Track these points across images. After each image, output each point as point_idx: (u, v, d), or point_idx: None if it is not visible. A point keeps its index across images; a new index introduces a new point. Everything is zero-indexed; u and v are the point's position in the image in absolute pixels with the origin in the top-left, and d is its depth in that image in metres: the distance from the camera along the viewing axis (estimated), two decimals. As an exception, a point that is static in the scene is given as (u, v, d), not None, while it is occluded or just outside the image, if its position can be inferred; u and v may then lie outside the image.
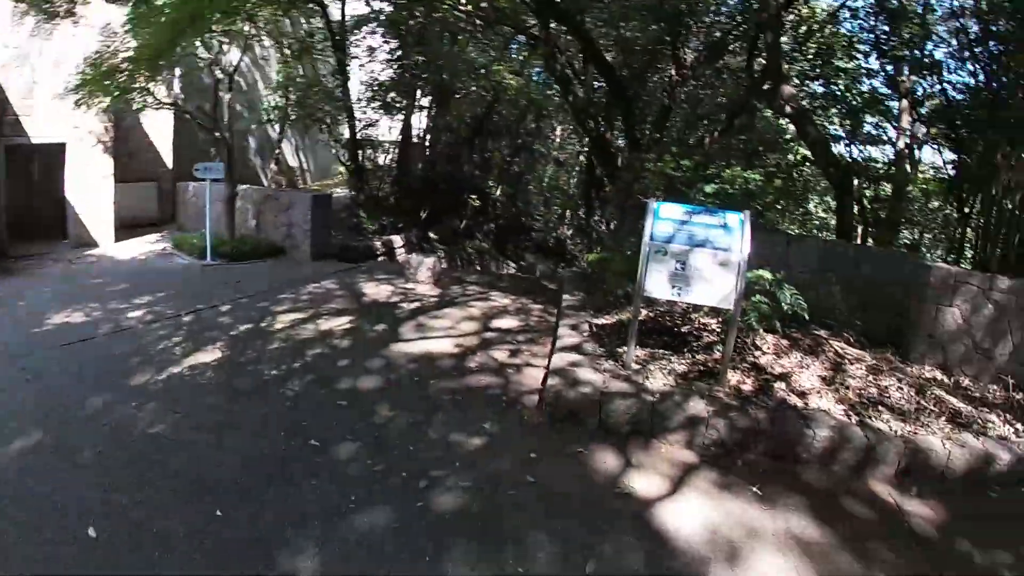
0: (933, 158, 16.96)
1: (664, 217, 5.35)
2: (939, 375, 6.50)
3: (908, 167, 15.07)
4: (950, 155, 12.79)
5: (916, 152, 15.36)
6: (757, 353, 6.10)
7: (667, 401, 4.95)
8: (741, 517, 4.05)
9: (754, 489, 4.38)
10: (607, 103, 12.30)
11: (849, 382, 5.74)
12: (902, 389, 5.80)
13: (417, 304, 8.28)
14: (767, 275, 5.67)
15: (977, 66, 10.08)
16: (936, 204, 14.81)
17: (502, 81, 15.67)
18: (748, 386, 5.38)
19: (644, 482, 4.35)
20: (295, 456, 4.47)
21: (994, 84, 9.34)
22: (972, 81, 10.54)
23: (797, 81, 12.52)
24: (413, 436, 4.82)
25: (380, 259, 12.71)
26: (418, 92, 16.53)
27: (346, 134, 15.84)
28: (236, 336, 6.93)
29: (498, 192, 18.74)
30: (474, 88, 16.73)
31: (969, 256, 10.56)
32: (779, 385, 5.44)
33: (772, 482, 4.48)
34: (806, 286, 6.67)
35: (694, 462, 4.67)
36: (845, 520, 4.15)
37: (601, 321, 6.89)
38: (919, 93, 12.72)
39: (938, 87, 11.23)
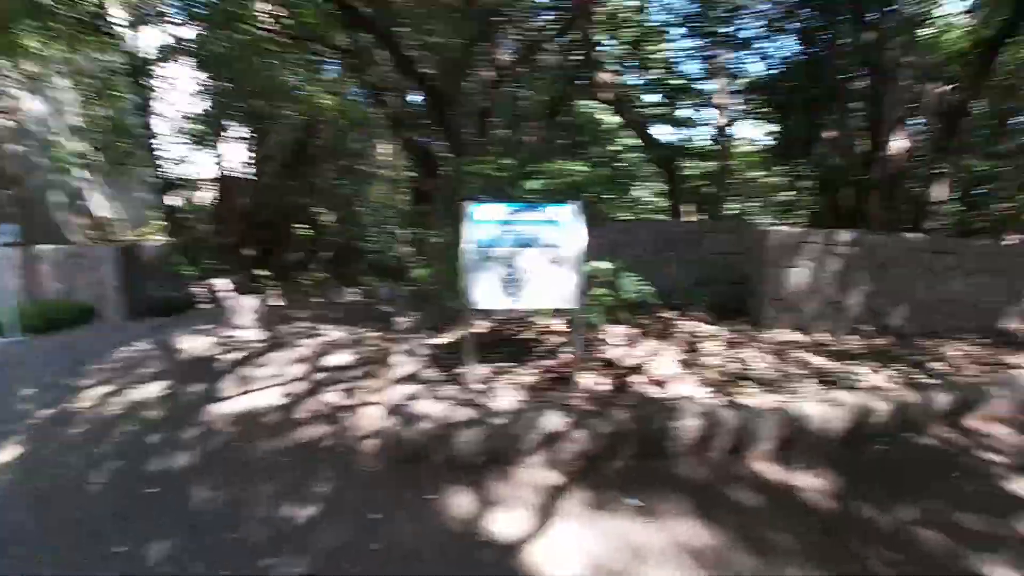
0: (751, 132, 17.69)
1: (483, 220, 4.76)
2: (797, 336, 6.34)
3: (728, 142, 15.50)
4: (772, 127, 13.16)
5: (733, 127, 15.83)
6: (607, 348, 5.65)
7: (519, 420, 4.32)
8: (622, 537, 3.50)
9: (630, 501, 3.84)
10: (426, 112, 11.69)
11: (708, 361, 5.40)
12: (764, 358, 5.52)
13: (240, 353, 7.26)
14: (605, 265, 5.23)
15: (794, 37, 10.27)
16: (758, 173, 15.32)
17: (318, 102, 14.76)
18: (604, 386, 4.87)
19: (508, 520, 3.69)
20: (97, 569, 3.50)
21: (811, 51, 9.49)
22: (786, 54, 10.79)
23: (616, 69, 12.39)
24: (235, 518, 3.92)
25: (205, 307, 11.45)
26: (234, 122, 15.28)
27: (157, 176, 14.32)
28: (34, 425, 5.71)
29: (329, 218, 17.75)
30: (291, 112, 15.67)
31: (803, 216, 10.79)
32: (637, 378, 4.99)
33: (648, 487, 3.98)
34: (648, 270, 6.42)
35: (561, 483, 4.07)
36: (734, 512, 3.73)
37: (439, 341, 6.23)
38: (735, 69, 12.99)
39: (758, 60, 11.42)
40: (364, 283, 17.46)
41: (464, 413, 4.41)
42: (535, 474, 4.15)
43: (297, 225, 16.35)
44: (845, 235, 6.48)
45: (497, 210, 4.80)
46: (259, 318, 8.38)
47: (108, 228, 17.18)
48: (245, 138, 16.28)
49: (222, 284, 12.78)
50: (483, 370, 5.12)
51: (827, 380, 5.13)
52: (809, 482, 4.05)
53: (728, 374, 5.10)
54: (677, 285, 7.14)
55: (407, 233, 18.02)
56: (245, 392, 5.89)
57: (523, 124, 12.18)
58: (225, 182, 15.53)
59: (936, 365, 5.78)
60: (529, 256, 4.66)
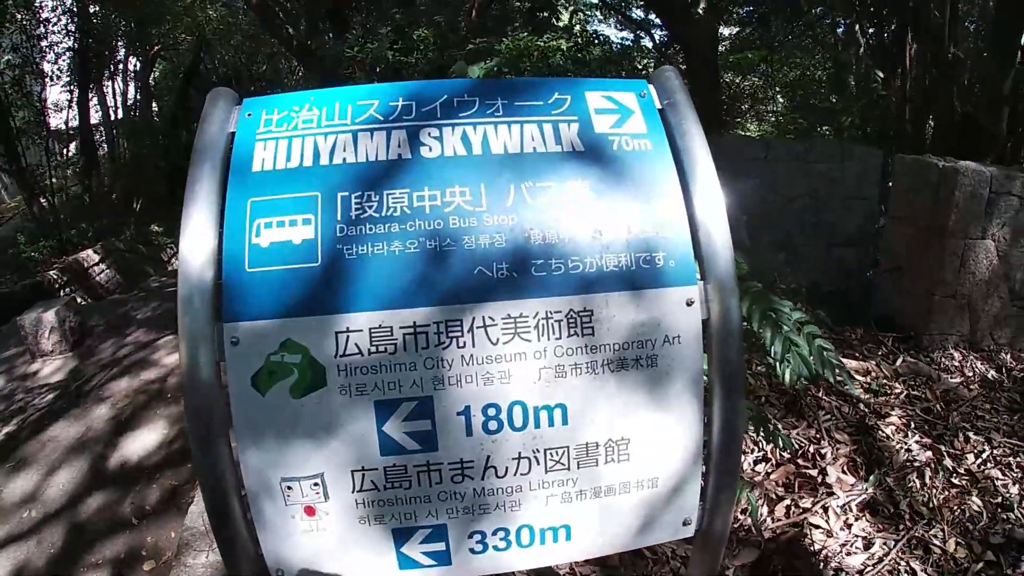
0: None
1: (273, 173, 0.94)
2: (984, 367, 3.15)
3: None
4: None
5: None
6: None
7: None
8: None
9: None
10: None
11: (917, 487, 2.13)
12: (1002, 458, 2.33)
13: (15, 420, 3.51)
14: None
15: None
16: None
17: (203, 18, 11.35)
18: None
19: None
20: None
21: None
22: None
23: None
24: None
25: (64, 293, 7.22)
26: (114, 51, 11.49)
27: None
28: None
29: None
30: (182, 34, 11.99)
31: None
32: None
33: None
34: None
35: None
36: None
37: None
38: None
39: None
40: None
41: None
42: None
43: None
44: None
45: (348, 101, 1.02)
46: (68, 338, 4.51)
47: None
48: (132, 71, 12.61)
49: (91, 256, 8.66)
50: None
51: None
52: None
53: (977, 535, 1.88)
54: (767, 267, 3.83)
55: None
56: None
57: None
58: (88, 125, 11.38)
59: None
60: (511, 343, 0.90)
